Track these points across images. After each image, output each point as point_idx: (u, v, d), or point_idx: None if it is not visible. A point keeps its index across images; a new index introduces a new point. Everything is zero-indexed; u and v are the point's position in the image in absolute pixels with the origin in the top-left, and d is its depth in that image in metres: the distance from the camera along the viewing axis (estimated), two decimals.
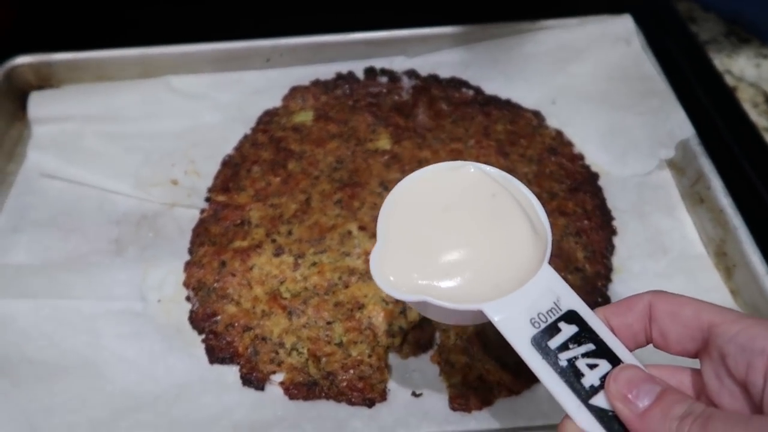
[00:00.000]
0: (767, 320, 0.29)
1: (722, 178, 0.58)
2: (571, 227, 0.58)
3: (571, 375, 0.30)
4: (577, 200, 0.61)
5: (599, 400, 0.30)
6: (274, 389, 0.50)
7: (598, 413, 0.29)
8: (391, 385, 0.50)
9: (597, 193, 0.62)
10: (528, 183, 0.61)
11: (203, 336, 0.54)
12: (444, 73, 0.73)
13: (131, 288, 0.57)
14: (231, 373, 0.51)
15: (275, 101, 0.72)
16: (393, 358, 0.52)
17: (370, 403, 0.49)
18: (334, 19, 0.76)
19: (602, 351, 0.31)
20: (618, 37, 0.72)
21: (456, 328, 0.52)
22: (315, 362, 0.51)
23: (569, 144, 0.66)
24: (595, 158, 0.65)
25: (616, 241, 0.59)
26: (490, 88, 0.71)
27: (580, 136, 0.66)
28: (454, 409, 0.48)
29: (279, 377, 0.51)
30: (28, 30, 0.80)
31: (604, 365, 0.31)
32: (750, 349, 0.28)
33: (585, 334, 0.32)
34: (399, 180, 0.61)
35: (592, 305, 0.52)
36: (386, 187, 0.62)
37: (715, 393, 0.30)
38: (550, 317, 0.32)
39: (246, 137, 0.69)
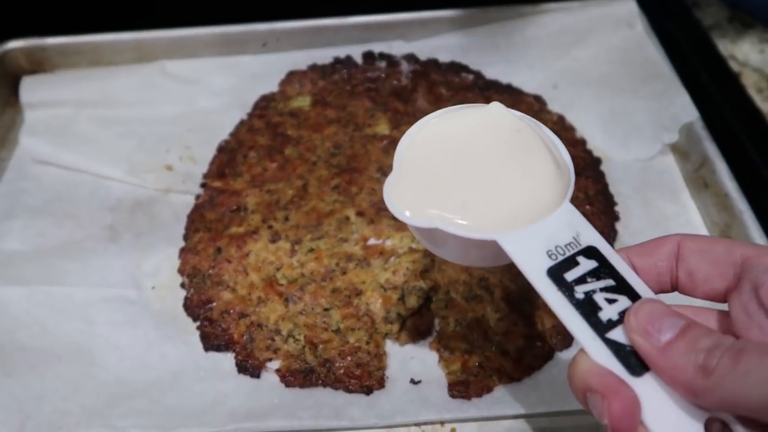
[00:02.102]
0: None
1: (727, 162, 0.57)
2: None
3: (588, 308, 0.29)
4: (579, 185, 0.60)
5: (617, 335, 0.28)
6: (270, 377, 0.49)
7: (615, 347, 0.28)
8: (390, 372, 0.49)
9: (599, 178, 0.61)
10: None
11: (198, 323, 0.53)
12: (444, 58, 0.72)
13: (125, 275, 0.56)
14: (226, 360, 0.51)
15: (272, 86, 0.71)
16: (391, 345, 0.51)
17: (368, 391, 0.48)
18: (331, 2, 0.74)
19: (622, 287, 0.30)
20: (621, 20, 0.70)
21: (454, 313, 0.51)
22: (312, 349, 0.50)
23: (571, 129, 0.65)
24: (597, 143, 0.64)
25: (619, 226, 0.58)
26: (491, 73, 0.70)
27: (582, 121, 0.65)
28: (453, 396, 0.47)
29: (275, 364, 0.50)
30: (20, 13, 0.78)
31: (623, 301, 0.30)
32: None
33: (605, 270, 0.30)
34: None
35: None
36: (385, 172, 0.61)
37: (742, 329, 0.28)
38: (569, 251, 0.31)
39: (242, 122, 0.68)
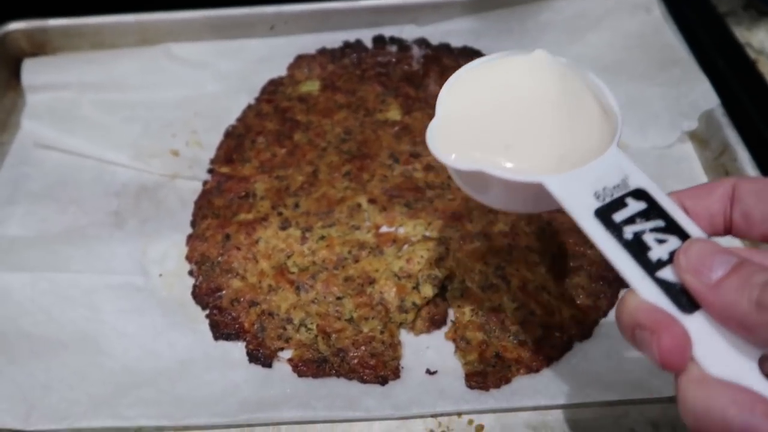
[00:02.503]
0: None
1: (748, 149, 0.56)
2: None
3: (637, 247, 0.29)
4: None
5: (666, 274, 0.28)
6: (282, 366, 0.48)
7: (665, 286, 0.28)
8: (405, 362, 0.48)
9: None
10: None
11: (207, 311, 0.52)
12: (456, 42, 0.70)
13: (131, 262, 0.54)
14: (237, 349, 0.49)
15: (280, 70, 0.69)
16: (405, 335, 0.50)
17: (383, 381, 0.47)
18: None
19: (672, 228, 0.29)
20: (637, 5, 0.69)
21: (470, 303, 0.50)
22: (324, 339, 0.49)
23: None
24: None
25: None
26: None
27: None
28: (470, 387, 0.46)
29: (287, 354, 0.49)
30: None
31: (673, 241, 0.29)
32: None
33: (654, 211, 0.30)
34: (410, 152, 0.60)
35: (614, 277, 0.51)
36: (397, 159, 0.60)
37: None
38: (617, 192, 0.31)
39: (250, 107, 0.66)
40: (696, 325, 0.27)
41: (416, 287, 0.51)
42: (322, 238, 0.54)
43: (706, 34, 0.71)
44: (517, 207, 0.38)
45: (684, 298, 0.27)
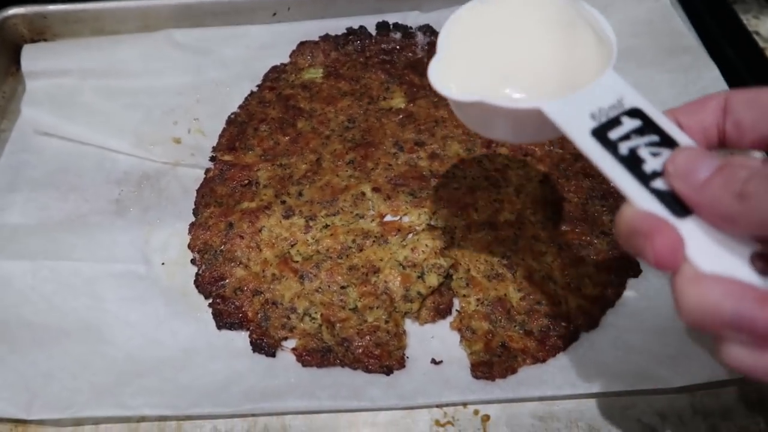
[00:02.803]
0: None
1: None
2: (597, 190, 0.55)
3: (632, 162, 0.30)
4: None
5: (660, 183, 0.30)
6: (285, 356, 0.48)
7: (659, 194, 0.29)
8: (410, 352, 0.48)
9: None
10: (551, 143, 0.59)
11: (210, 300, 0.51)
12: None
13: (134, 250, 0.54)
14: (240, 338, 0.49)
15: (283, 57, 0.68)
16: (410, 324, 0.49)
17: (388, 371, 0.46)
18: None
19: (666, 142, 0.31)
20: None
21: (475, 292, 0.49)
22: (329, 328, 0.49)
23: None
24: None
25: None
26: None
27: None
28: (476, 377, 0.46)
29: (291, 343, 0.49)
30: None
31: (666, 153, 0.30)
32: None
33: (649, 128, 0.31)
34: (414, 140, 0.59)
35: (621, 267, 0.51)
36: (401, 147, 0.59)
37: None
38: (612, 112, 0.32)
39: (252, 94, 0.66)
40: (688, 227, 0.28)
41: (421, 276, 0.50)
42: (326, 226, 0.54)
43: (715, 22, 0.70)
44: (518, 137, 0.39)
45: (676, 204, 0.29)
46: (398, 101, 0.63)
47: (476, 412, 0.45)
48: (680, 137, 0.31)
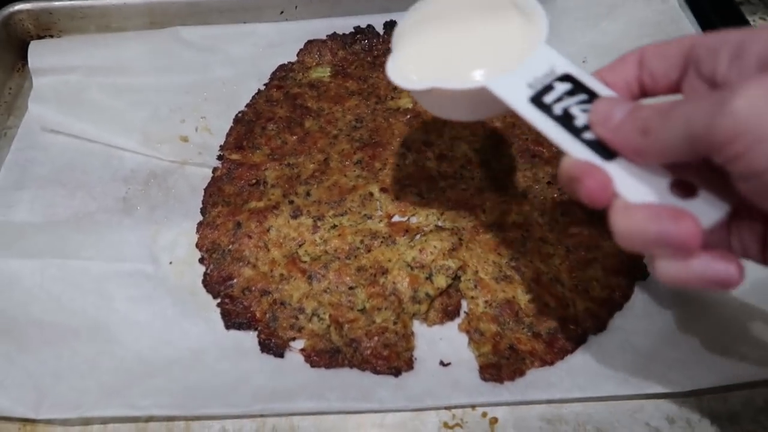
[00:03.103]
0: (740, 27, 0.32)
1: None
2: None
3: (565, 119, 0.34)
4: None
5: (589, 135, 0.34)
6: (294, 356, 0.48)
7: (589, 144, 0.33)
8: (418, 353, 0.48)
9: None
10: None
11: (218, 300, 0.51)
12: None
13: (141, 249, 0.54)
14: (248, 338, 0.49)
15: (290, 56, 0.68)
16: (418, 326, 0.49)
17: (396, 372, 0.46)
18: None
19: (593, 99, 0.34)
20: None
21: (483, 294, 0.49)
22: (337, 329, 0.49)
23: None
24: None
25: None
26: None
27: None
28: (485, 379, 0.46)
29: (299, 344, 0.49)
30: None
31: None
32: (719, 46, 0.31)
33: (579, 89, 0.35)
34: (422, 139, 0.59)
35: (629, 269, 0.51)
36: (409, 147, 0.59)
37: None
38: (546, 80, 0.36)
39: (260, 93, 0.65)
40: (615, 167, 0.32)
41: (429, 278, 0.50)
42: (334, 227, 0.54)
43: (722, 23, 0.70)
44: (473, 114, 0.44)
45: (603, 150, 0.33)
46: (406, 101, 0.63)
47: (484, 415, 0.45)
48: (605, 92, 0.35)
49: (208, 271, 0.52)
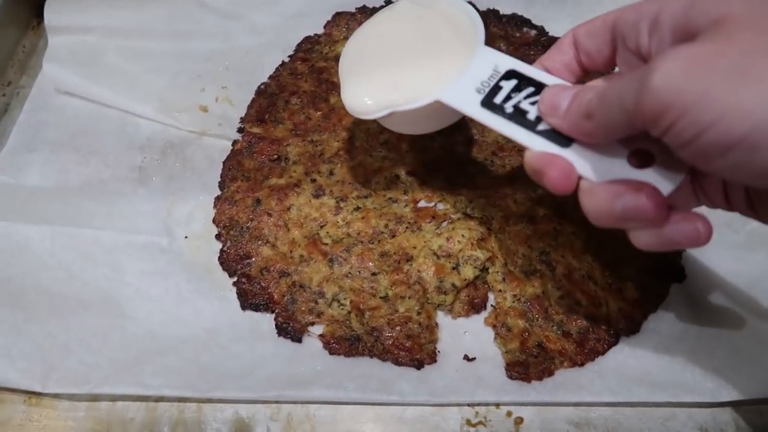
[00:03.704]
0: None
1: None
2: None
3: (518, 116, 0.36)
4: None
5: (543, 125, 0.35)
6: (312, 342, 0.46)
7: (545, 134, 0.35)
8: (441, 346, 0.46)
9: None
10: None
11: (235, 279, 0.49)
12: (505, 9, 0.66)
13: (156, 221, 0.52)
14: (265, 320, 0.47)
15: (317, 27, 0.65)
16: (442, 317, 0.47)
17: (418, 365, 0.45)
18: None
19: (540, 90, 0.36)
20: None
21: (512, 288, 0.47)
22: (358, 316, 0.47)
23: None
24: None
25: None
26: (555, 30, 0.64)
27: None
28: (511, 377, 0.44)
29: (318, 329, 0.47)
30: None
31: None
32: (638, 19, 0.32)
33: (524, 82, 0.37)
34: (453, 123, 0.57)
35: (665, 271, 0.48)
36: (438, 131, 0.56)
37: None
38: (492, 81, 0.38)
39: (283, 65, 0.63)
40: (573, 153, 0.34)
41: (456, 268, 0.48)
42: (358, 209, 0.52)
43: None
44: (434, 125, 0.46)
45: (559, 138, 0.34)
46: None
47: (509, 414, 0.43)
48: (550, 80, 0.36)
49: (225, 248, 0.50)
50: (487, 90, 0.37)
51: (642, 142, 0.32)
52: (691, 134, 0.27)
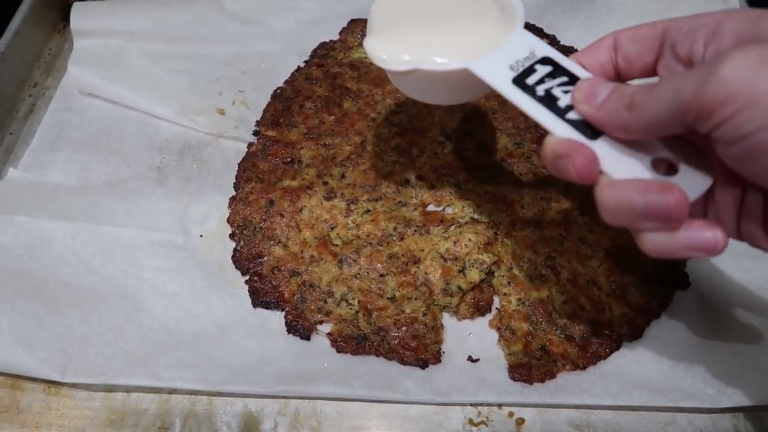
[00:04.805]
0: (712, 11, 0.32)
1: None
2: None
3: (548, 100, 0.35)
4: None
5: (573, 114, 0.35)
6: (320, 340, 0.47)
7: (573, 123, 0.34)
8: (446, 347, 0.47)
9: None
10: None
11: (247, 277, 0.51)
12: None
13: (172, 219, 0.53)
14: (275, 318, 0.48)
15: (332, 34, 0.67)
16: (448, 319, 0.48)
17: (423, 364, 0.46)
18: None
19: (573, 80, 0.36)
20: None
21: (517, 291, 0.48)
22: (366, 315, 0.48)
23: None
24: None
25: None
26: (567, 39, 0.65)
27: None
28: (514, 378, 0.45)
29: (326, 328, 0.48)
30: None
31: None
32: (695, 28, 0.32)
33: (559, 72, 0.36)
34: (462, 129, 0.58)
35: (669, 278, 0.49)
36: (448, 136, 0.58)
37: None
38: (527, 62, 0.37)
39: (299, 70, 0.64)
40: (600, 146, 0.33)
41: (462, 271, 0.49)
42: (368, 211, 0.53)
43: None
44: (453, 97, 0.45)
45: (588, 129, 0.34)
46: None
47: (511, 414, 0.44)
48: (584, 74, 0.36)
49: (239, 247, 0.52)
50: (521, 69, 0.36)
51: (669, 150, 0.32)
52: (752, 128, 0.26)
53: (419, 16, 0.42)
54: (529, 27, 0.67)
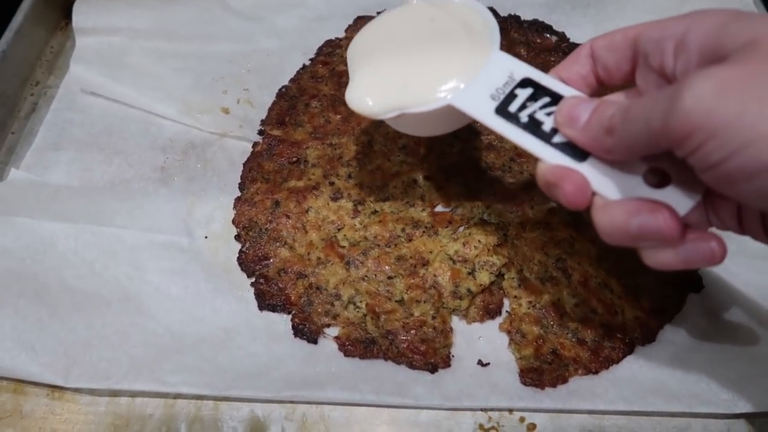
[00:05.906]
0: (681, 15, 0.32)
1: None
2: None
3: (533, 126, 0.35)
4: None
5: (558, 138, 0.34)
6: (327, 343, 0.47)
7: (560, 147, 0.34)
8: (456, 351, 0.46)
9: None
10: None
11: (253, 279, 0.50)
12: (526, 15, 0.66)
13: (176, 221, 0.53)
14: (282, 321, 0.48)
15: (338, 31, 0.66)
16: (457, 322, 0.48)
17: (432, 369, 0.45)
18: None
19: (556, 100, 0.35)
20: None
21: (527, 294, 0.47)
22: (373, 319, 0.47)
23: None
24: None
25: None
26: (576, 36, 0.64)
27: None
28: (525, 383, 0.44)
29: (333, 331, 0.47)
30: None
31: None
32: (663, 38, 0.32)
33: (540, 92, 0.36)
34: (470, 128, 0.57)
35: (682, 281, 0.48)
36: (456, 135, 0.57)
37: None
38: (507, 88, 0.37)
39: (305, 68, 0.63)
40: (589, 166, 0.33)
41: (472, 273, 0.48)
42: (375, 212, 0.52)
43: None
44: (434, 131, 0.46)
45: (575, 151, 0.34)
46: None
47: (522, 420, 0.43)
48: (566, 91, 0.35)
49: (244, 249, 0.51)
50: (501, 97, 0.36)
51: (659, 161, 0.32)
52: (719, 157, 0.26)
53: (394, 53, 0.43)
54: (538, 24, 0.66)
